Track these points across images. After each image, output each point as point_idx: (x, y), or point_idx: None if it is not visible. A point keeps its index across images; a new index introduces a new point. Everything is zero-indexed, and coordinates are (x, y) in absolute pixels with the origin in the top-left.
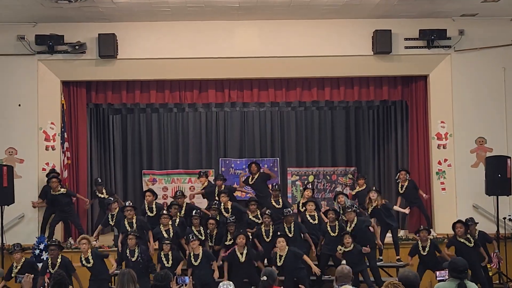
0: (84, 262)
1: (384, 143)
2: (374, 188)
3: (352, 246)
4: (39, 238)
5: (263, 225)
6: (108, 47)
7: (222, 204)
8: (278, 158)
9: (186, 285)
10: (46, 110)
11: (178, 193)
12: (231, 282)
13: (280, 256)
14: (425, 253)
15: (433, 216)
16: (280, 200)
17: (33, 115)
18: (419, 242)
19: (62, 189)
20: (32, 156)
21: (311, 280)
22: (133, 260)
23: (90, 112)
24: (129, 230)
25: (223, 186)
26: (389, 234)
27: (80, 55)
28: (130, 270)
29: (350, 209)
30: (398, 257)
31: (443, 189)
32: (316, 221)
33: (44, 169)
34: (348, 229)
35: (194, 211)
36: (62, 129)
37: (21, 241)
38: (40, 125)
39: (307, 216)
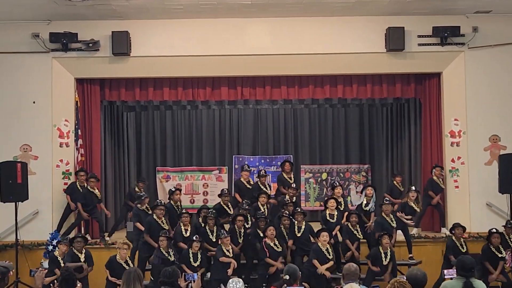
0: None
1: (397, 141)
2: (414, 188)
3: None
4: (52, 234)
5: (282, 227)
6: (121, 44)
7: (259, 203)
8: (291, 155)
9: (194, 281)
10: (60, 108)
11: (224, 190)
12: (240, 279)
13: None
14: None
15: (446, 214)
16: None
17: (47, 113)
18: (454, 240)
19: (97, 191)
20: (46, 153)
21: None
22: (171, 260)
23: (104, 109)
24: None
25: (266, 182)
26: (400, 232)
27: (93, 52)
28: (137, 269)
29: (388, 202)
30: (410, 255)
31: (456, 187)
32: (335, 220)
33: (58, 166)
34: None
35: (209, 212)
36: (76, 126)
37: (35, 238)
38: (54, 122)
39: (327, 214)
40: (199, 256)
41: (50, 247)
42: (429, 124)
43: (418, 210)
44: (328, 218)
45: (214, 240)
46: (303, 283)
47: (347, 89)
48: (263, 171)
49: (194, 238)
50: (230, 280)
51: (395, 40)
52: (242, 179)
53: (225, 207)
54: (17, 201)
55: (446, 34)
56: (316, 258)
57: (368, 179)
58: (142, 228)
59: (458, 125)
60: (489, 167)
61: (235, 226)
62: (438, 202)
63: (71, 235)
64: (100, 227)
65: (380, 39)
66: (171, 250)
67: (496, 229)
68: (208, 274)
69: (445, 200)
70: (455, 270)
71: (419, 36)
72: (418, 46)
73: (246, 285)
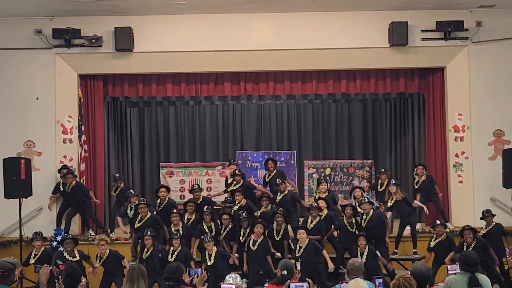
0: (99, 262)
1: (401, 136)
2: (393, 182)
3: (366, 249)
4: (56, 230)
5: (275, 224)
6: (124, 40)
7: (236, 202)
8: (295, 151)
9: (197, 277)
10: (64, 104)
11: (194, 186)
12: (237, 275)
13: (300, 247)
14: (436, 246)
15: (450, 209)
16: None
17: (50, 109)
18: (434, 236)
19: (74, 183)
20: (50, 149)
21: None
22: (144, 258)
23: (107, 105)
24: (136, 226)
25: (241, 182)
26: (407, 227)
27: (96, 48)
28: (141, 266)
29: (366, 200)
30: (415, 250)
31: (460, 182)
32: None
33: (61, 162)
34: (363, 221)
35: (205, 207)
36: (80, 122)
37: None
38: (57, 118)
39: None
40: (177, 253)
41: (54, 243)
42: (433, 119)
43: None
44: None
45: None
46: (307, 279)
47: (351, 84)
48: (238, 170)
49: (174, 235)
50: (228, 276)
51: (398, 35)
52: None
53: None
54: (21, 197)
55: (449, 29)
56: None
57: (371, 174)
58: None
59: (462, 119)
60: (493, 162)
61: (222, 224)
62: (436, 196)
63: (76, 231)
64: (98, 224)
65: (384, 34)
66: (151, 249)
67: (469, 225)
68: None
69: (449, 195)
70: (458, 265)
71: (423, 31)
72: (421, 40)
73: (246, 280)
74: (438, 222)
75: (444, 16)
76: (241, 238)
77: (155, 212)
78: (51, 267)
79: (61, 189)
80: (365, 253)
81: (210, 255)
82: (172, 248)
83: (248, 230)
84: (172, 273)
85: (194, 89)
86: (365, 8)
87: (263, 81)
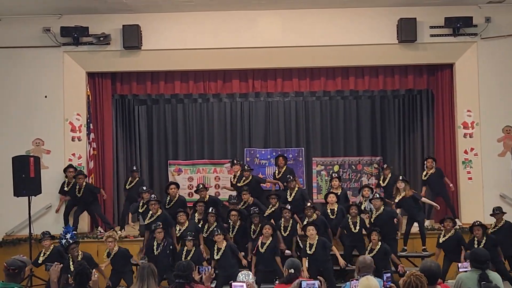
0: (107, 257)
1: (409, 133)
2: (401, 178)
3: (379, 244)
4: (65, 228)
5: (282, 220)
6: (132, 38)
7: (243, 201)
8: (303, 148)
9: (205, 274)
10: (72, 101)
11: (199, 186)
12: (249, 272)
13: (311, 244)
14: (445, 242)
15: (459, 205)
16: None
17: (59, 107)
18: (442, 232)
19: (90, 185)
20: (58, 147)
21: (335, 270)
22: (155, 254)
23: (115, 103)
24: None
25: (250, 177)
26: (415, 224)
27: (104, 46)
28: (151, 264)
29: (378, 196)
30: (424, 247)
31: (470, 178)
32: (335, 216)
33: (70, 160)
34: (372, 217)
35: (210, 208)
36: (88, 120)
37: (49, 232)
38: (66, 116)
39: (328, 209)
40: (193, 253)
41: (63, 241)
42: (442, 115)
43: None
44: (329, 213)
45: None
46: (318, 277)
47: (359, 81)
48: (247, 165)
49: (188, 236)
50: (240, 273)
51: (407, 31)
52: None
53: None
54: (30, 195)
55: (458, 25)
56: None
57: (380, 171)
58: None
59: (471, 116)
60: (503, 158)
61: (230, 221)
62: (446, 192)
63: (85, 229)
64: (105, 222)
65: (392, 30)
66: (162, 243)
67: (479, 221)
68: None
69: (458, 191)
70: (468, 263)
71: (431, 27)
72: (430, 37)
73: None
74: (446, 216)
75: (453, 12)
76: (252, 235)
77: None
78: (61, 265)
79: (66, 188)
80: (376, 250)
81: (219, 249)
82: (186, 248)
83: (259, 227)
84: (182, 271)
85: (202, 87)
86: (373, 4)
87: (271, 78)
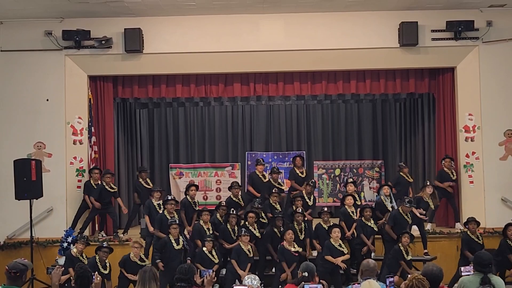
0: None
1: (411, 136)
2: (429, 183)
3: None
4: (67, 231)
5: (295, 223)
6: (134, 41)
7: (271, 202)
8: (304, 151)
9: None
10: (74, 105)
11: (234, 183)
12: (256, 276)
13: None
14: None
15: (460, 209)
16: (312, 197)
17: (60, 110)
18: (469, 234)
19: (112, 186)
20: (60, 150)
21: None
22: (177, 248)
23: (117, 106)
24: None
25: (278, 180)
26: (415, 228)
27: (106, 50)
28: (152, 268)
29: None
30: (425, 250)
31: (471, 182)
32: (356, 217)
33: (72, 163)
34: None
35: (231, 209)
36: (89, 124)
37: (50, 235)
38: (67, 119)
39: (348, 210)
40: (214, 254)
41: (65, 244)
42: (443, 119)
43: (432, 206)
44: (350, 213)
45: (235, 238)
46: (321, 281)
47: (360, 85)
48: (276, 167)
49: (207, 238)
50: (246, 276)
51: (408, 35)
52: (257, 172)
53: (236, 200)
54: (31, 198)
55: (460, 29)
56: (329, 254)
57: (381, 174)
58: (149, 223)
59: (473, 120)
60: (504, 162)
61: (247, 222)
62: (450, 193)
63: (86, 232)
64: (114, 224)
65: (394, 34)
66: (181, 237)
67: None
68: (223, 271)
69: (460, 195)
70: (471, 266)
71: (433, 31)
72: (431, 40)
73: (261, 281)
74: (471, 218)
75: (454, 16)
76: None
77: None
78: (63, 268)
79: (94, 187)
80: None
81: (248, 250)
82: (205, 249)
83: (281, 230)
84: (184, 274)
85: (203, 90)
86: (374, 8)
87: (273, 81)
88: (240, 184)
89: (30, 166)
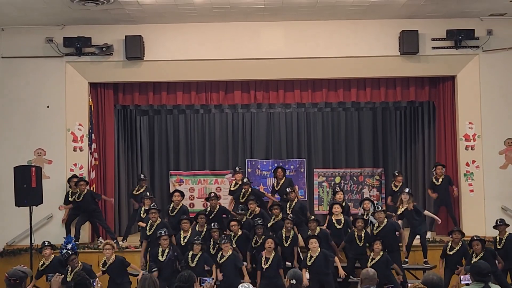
0: (103, 267)
1: (411, 144)
2: (407, 190)
3: (381, 253)
4: (66, 238)
5: (283, 230)
6: (134, 49)
7: (249, 210)
8: (304, 159)
9: (207, 286)
10: (74, 112)
11: (211, 194)
12: (250, 284)
13: (311, 257)
14: (452, 255)
15: (460, 218)
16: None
17: (61, 117)
18: (449, 243)
19: (90, 192)
20: (60, 157)
21: (337, 282)
22: (162, 260)
23: (117, 113)
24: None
25: (249, 190)
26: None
27: (107, 57)
28: (152, 275)
29: (380, 209)
30: (425, 259)
31: (471, 190)
32: (341, 226)
33: (72, 170)
34: (375, 230)
35: (212, 224)
36: (90, 130)
37: (50, 241)
38: (68, 126)
39: (333, 220)
40: (197, 258)
41: (64, 251)
42: (443, 127)
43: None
44: (335, 223)
45: (213, 252)
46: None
47: (361, 93)
48: (246, 179)
49: (196, 241)
50: (241, 285)
51: (409, 43)
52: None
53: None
54: (31, 205)
55: (460, 37)
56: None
57: (381, 183)
58: (143, 225)
59: (473, 128)
60: (504, 171)
61: (231, 232)
62: (449, 202)
63: (86, 239)
64: (108, 232)
65: (394, 42)
66: (167, 249)
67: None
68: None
69: (460, 204)
70: (469, 275)
71: (433, 39)
72: (432, 49)
73: None
74: (455, 228)
75: (455, 25)
76: (253, 244)
77: (166, 219)
78: (62, 275)
79: (71, 199)
80: (377, 259)
81: (223, 256)
82: (191, 253)
83: (262, 239)
84: (184, 282)
85: (204, 97)
86: (375, 16)
87: (273, 89)
88: (214, 193)
89: (30, 173)
